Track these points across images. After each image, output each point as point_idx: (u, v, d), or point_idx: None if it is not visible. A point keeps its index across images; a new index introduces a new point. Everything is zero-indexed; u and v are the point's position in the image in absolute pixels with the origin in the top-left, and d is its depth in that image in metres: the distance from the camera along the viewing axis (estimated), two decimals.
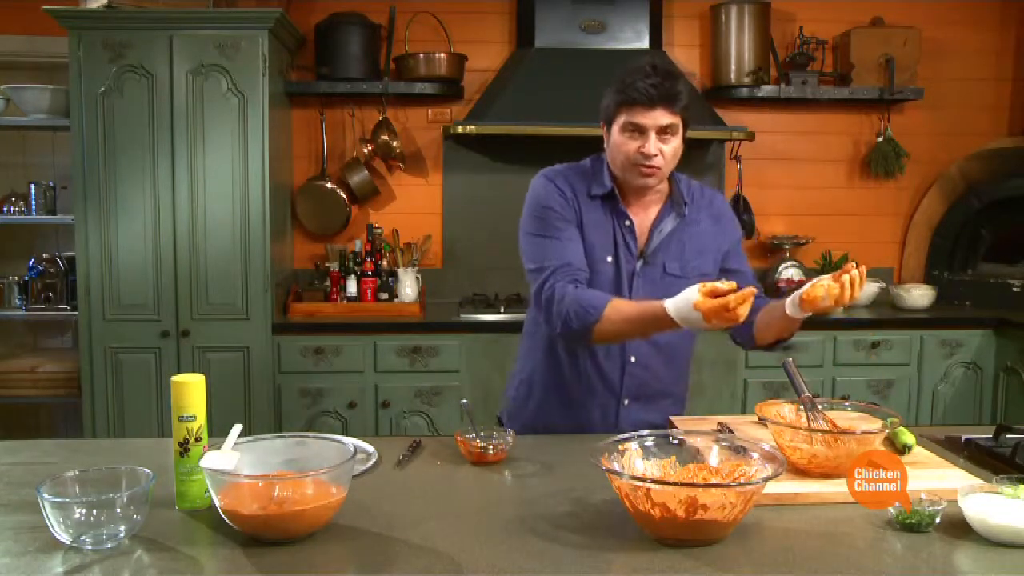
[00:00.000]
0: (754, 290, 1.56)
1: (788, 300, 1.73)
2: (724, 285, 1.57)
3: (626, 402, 1.97)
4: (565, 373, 1.97)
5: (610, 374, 1.95)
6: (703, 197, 2.02)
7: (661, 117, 1.81)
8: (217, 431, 1.50)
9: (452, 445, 1.76)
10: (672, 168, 1.90)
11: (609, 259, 1.91)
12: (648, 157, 1.82)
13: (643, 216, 1.95)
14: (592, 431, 1.91)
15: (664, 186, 1.97)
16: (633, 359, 1.94)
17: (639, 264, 1.93)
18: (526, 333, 2.09)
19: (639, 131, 1.82)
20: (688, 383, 2.12)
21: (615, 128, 1.86)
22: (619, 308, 1.76)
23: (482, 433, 1.73)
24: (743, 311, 1.54)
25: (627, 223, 1.92)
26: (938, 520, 1.33)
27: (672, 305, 1.63)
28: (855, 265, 1.67)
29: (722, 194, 2.13)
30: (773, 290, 4.04)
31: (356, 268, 3.83)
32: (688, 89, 1.87)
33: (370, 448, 1.72)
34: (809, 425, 1.61)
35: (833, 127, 4.27)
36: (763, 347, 1.96)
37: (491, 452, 1.69)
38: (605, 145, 1.93)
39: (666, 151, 1.84)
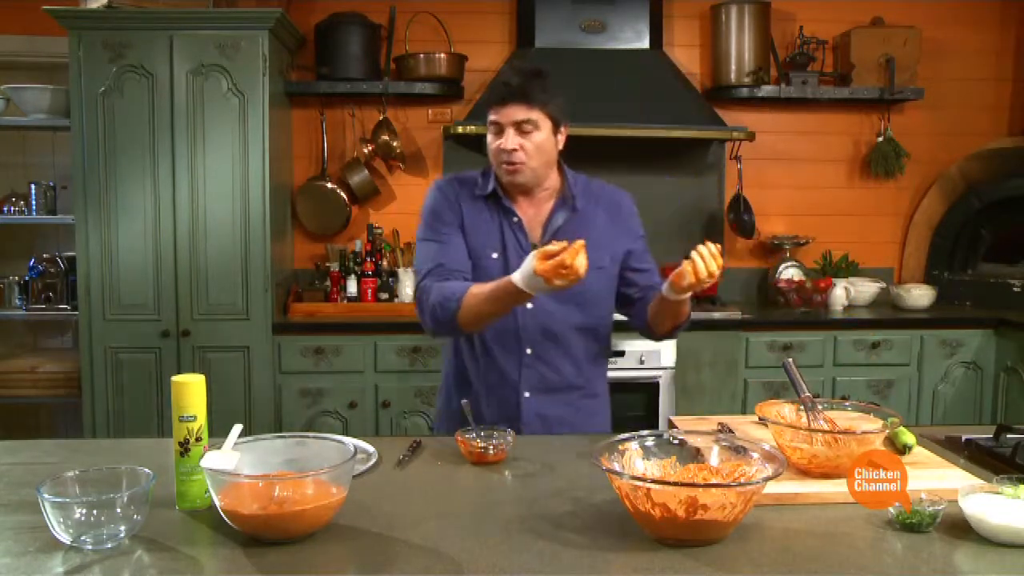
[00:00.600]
0: (582, 242, 1.64)
1: (664, 284, 1.83)
2: (556, 246, 1.64)
3: (527, 395, 1.99)
4: (469, 373, 2.03)
5: (509, 369, 1.99)
6: (602, 194, 2.08)
7: (515, 113, 1.89)
8: (217, 431, 1.50)
9: (452, 445, 1.76)
10: (541, 163, 1.95)
11: (495, 255, 1.98)
12: (507, 152, 1.90)
13: (535, 212, 2.02)
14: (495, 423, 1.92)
15: (555, 183, 2.03)
16: (529, 351, 1.98)
17: None
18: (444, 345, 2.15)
19: (499, 128, 1.92)
20: (602, 375, 2.12)
21: (487, 129, 1.96)
22: (475, 292, 1.84)
23: (482, 433, 1.74)
24: (580, 264, 1.61)
25: (515, 219, 1.99)
26: (938, 520, 1.33)
27: (518, 275, 1.72)
28: (706, 242, 1.75)
29: (628, 195, 2.14)
30: (774, 291, 4.04)
31: (356, 268, 3.84)
32: (546, 85, 1.92)
33: (370, 448, 1.72)
34: (809, 425, 1.61)
35: (833, 127, 4.27)
36: (664, 334, 2.03)
37: (491, 452, 1.69)
38: None
39: (527, 146, 1.90)
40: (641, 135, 3.74)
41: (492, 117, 1.93)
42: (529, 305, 1.94)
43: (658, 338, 2.07)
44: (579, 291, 1.90)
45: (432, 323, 1.91)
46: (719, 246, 1.75)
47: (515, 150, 1.90)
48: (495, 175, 2.01)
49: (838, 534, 1.32)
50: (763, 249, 4.28)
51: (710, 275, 1.72)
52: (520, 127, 1.90)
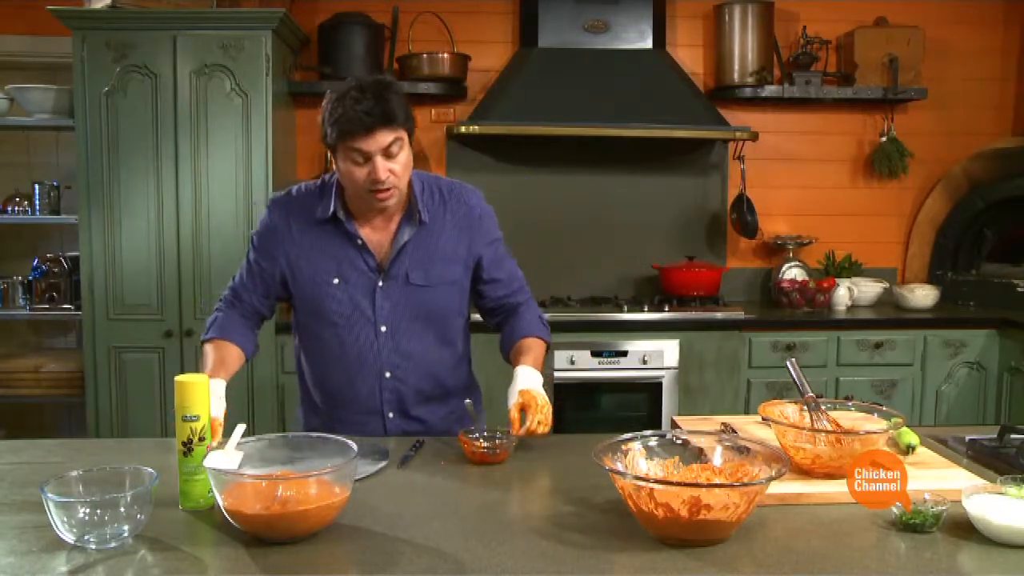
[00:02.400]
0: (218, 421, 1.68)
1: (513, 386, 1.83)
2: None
3: (391, 415, 1.96)
4: (317, 395, 2.02)
5: (368, 393, 1.95)
6: (450, 199, 1.95)
7: (383, 138, 1.73)
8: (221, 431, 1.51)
9: (455, 445, 1.76)
10: (406, 180, 1.83)
11: (335, 281, 1.89)
12: (380, 181, 1.76)
13: (382, 231, 1.90)
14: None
15: (401, 196, 1.89)
16: (388, 374, 1.93)
17: (380, 279, 1.90)
18: None
19: (365, 157, 1.75)
20: (464, 374, 2.09)
21: (340, 157, 1.78)
22: (208, 349, 1.92)
23: (485, 433, 1.73)
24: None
25: (359, 242, 1.89)
26: (942, 520, 1.33)
27: (215, 394, 1.77)
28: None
29: (478, 193, 2.00)
30: (777, 291, 4.04)
31: None
32: (402, 98, 1.77)
33: (384, 448, 1.72)
34: (812, 425, 1.61)
35: (837, 127, 4.26)
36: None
37: (495, 452, 1.69)
38: (335, 167, 1.85)
39: (397, 168, 1.77)
40: (644, 135, 3.73)
41: (355, 145, 1.73)
42: (383, 328, 1.90)
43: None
44: (432, 308, 1.91)
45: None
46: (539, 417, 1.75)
47: (387, 176, 1.76)
48: (336, 197, 1.88)
49: (841, 534, 1.32)
50: (766, 249, 4.28)
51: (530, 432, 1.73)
52: (387, 151, 1.74)
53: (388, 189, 1.78)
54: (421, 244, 1.91)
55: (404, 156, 1.79)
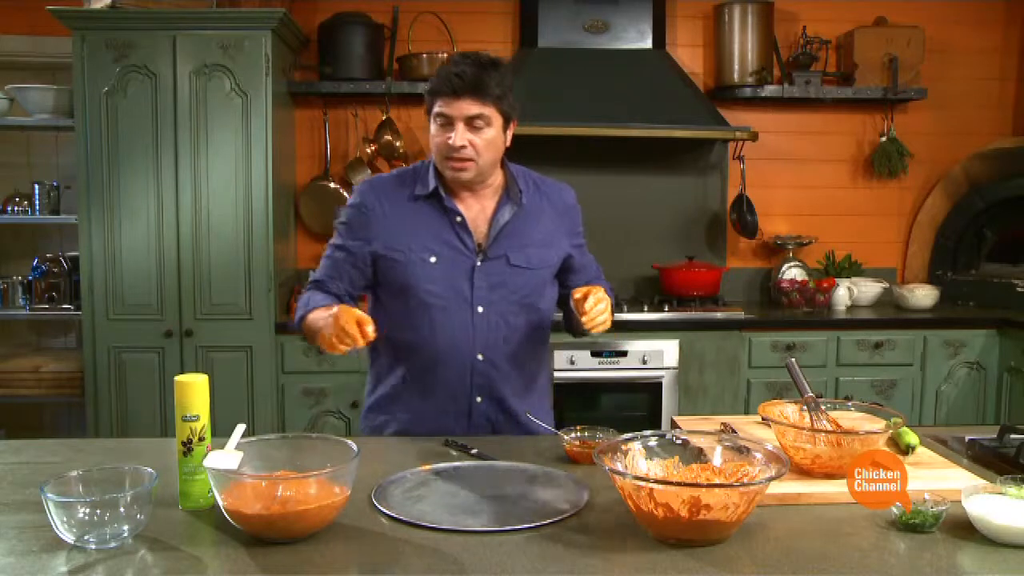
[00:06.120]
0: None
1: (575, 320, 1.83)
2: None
3: (478, 400, 1.93)
4: (407, 381, 1.96)
5: (458, 376, 1.92)
6: (548, 189, 2.00)
7: (468, 107, 1.76)
8: (220, 431, 1.51)
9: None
10: (490, 160, 1.84)
11: (432, 259, 1.87)
12: (455, 148, 1.78)
13: (480, 209, 1.91)
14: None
15: (498, 179, 1.93)
16: (480, 356, 1.90)
17: (479, 259, 1.89)
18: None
19: (448, 121, 1.79)
20: (544, 362, 2.09)
21: (431, 118, 1.83)
22: (310, 319, 1.82)
23: (586, 432, 1.71)
24: (354, 333, 1.62)
25: (458, 219, 1.88)
26: (941, 521, 1.33)
27: (328, 325, 1.68)
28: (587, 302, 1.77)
29: (572, 189, 2.05)
30: (777, 291, 4.04)
31: None
32: (505, 82, 1.81)
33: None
34: (812, 425, 1.61)
35: (836, 127, 4.26)
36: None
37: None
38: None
39: (478, 142, 1.79)
40: (644, 135, 3.73)
41: (440, 109, 1.78)
42: (480, 309, 1.88)
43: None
44: (528, 292, 1.91)
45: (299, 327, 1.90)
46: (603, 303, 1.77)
47: (464, 146, 1.78)
48: (435, 171, 1.89)
49: (841, 534, 1.32)
50: (766, 249, 4.28)
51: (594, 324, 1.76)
52: (471, 122, 1.78)
53: (464, 160, 1.80)
54: (520, 226, 1.91)
55: (490, 134, 1.80)
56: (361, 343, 1.63)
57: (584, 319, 1.76)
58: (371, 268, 1.91)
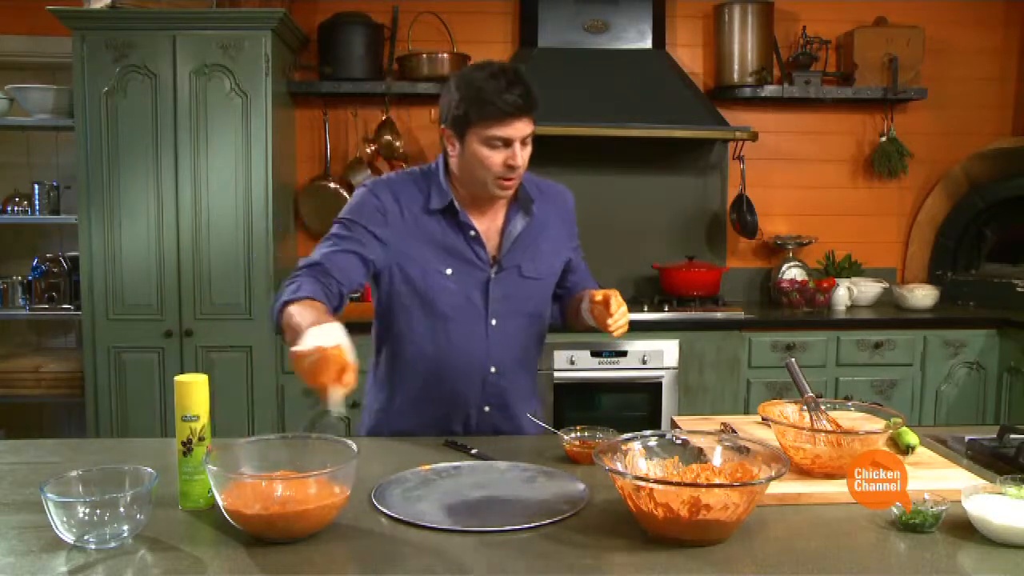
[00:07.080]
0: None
1: (584, 307, 1.86)
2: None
3: (486, 409, 1.93)
4: (411, 393, 1.93)
5: (469, 387, 1.90)
6: (550, 192, 2.00)
7: (525, 128, 1.79)
8: (220, 431, 1.51)
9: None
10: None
11: (448, 271, 1.85)
12: (514, 169, 1.79)
13: (490, 222, 1.90)
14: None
15: None
16: (493, 369, 1.90)
17: (493, 271, 1.88)
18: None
19: (505, 143, 1.77)
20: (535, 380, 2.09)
21: (474, 140, 1.78)
22: (292, 312, 1.59)
23: (586, 433, 1.71)
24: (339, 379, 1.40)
25: (472, 233, 1.86)
26: (941, 521, 1.33)
27: (313, 330, 1.45)
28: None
29: (569, 191, 2.06)
30: (777, 291, 4.04)
31: None
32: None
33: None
34: (812, 425, 1.61)
35: (836, 127, 4.26)
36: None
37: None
38: (452, 153, 1.84)
39: (525, 159, 1.81)
40: (644, 135, 3.73)
41: (498, 133, 1.75)
42: (493, 321, 1.88)
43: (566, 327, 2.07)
44: (536, 301, 1.93)
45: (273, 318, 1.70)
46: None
47: (520, 165, 1.79)
48: (448, 183, 1.87)
49: (841, 534, 1.32)
50: (766, 249, 4.28)
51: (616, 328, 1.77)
52: (524, 141, 1.80)
53: (515, 179, 1.82)
54: (531, 236, 1.92)
55: (530, 148, 1.83)
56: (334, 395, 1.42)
57: (610, 321, 1.76)
58: (371, 270, 1.85)
